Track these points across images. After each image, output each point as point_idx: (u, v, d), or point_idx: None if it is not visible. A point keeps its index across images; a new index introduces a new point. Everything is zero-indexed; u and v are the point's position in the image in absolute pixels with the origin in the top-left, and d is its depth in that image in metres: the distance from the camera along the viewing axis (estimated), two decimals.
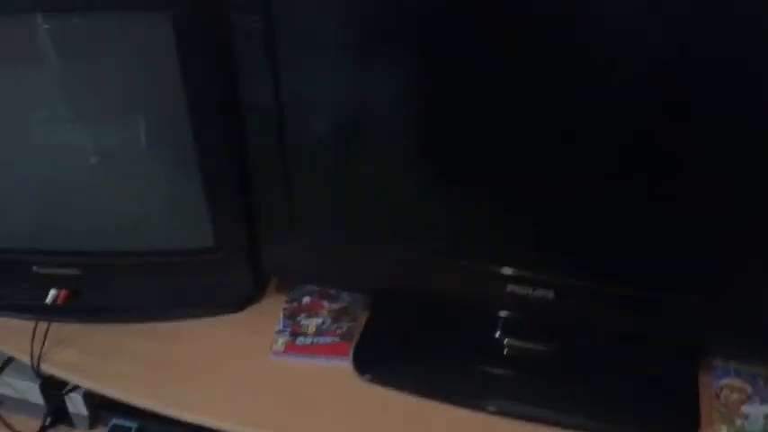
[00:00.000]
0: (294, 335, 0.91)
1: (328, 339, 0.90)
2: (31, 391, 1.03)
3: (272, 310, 0.94)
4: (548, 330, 0.86)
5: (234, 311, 0.94)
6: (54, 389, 1.00)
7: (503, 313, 0.86)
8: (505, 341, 0.88)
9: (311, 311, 0.94)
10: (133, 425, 0.99)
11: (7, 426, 1.02)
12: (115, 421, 1.00)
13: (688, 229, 0.72)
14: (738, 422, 0.78)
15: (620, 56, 0.66)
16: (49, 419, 1.02)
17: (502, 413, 0.82)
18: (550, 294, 0.80)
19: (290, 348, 0.89)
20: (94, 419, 1.02)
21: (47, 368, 0.90)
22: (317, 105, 0.78)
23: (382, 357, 0.89)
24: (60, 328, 0.92)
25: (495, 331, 0.88)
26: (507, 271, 0.80)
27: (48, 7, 0.73)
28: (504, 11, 0.67)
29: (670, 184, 0.70)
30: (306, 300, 0.95)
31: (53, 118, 0.80)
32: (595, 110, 0.69)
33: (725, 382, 0.83)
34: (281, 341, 0.90)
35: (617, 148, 0.71)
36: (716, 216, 0.71)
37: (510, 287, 0.81)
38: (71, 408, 1.02)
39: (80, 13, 0.73)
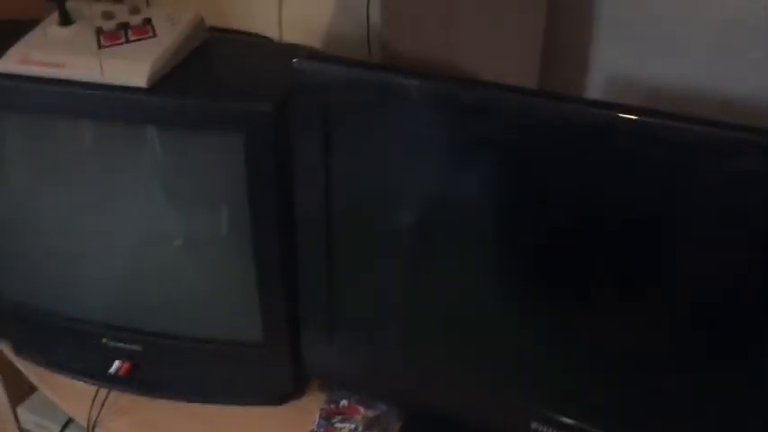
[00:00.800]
0: None
1: None
2: None
3: (310, 408, 0.98)
4: None
5: (274, 404, 0.99)
6: None
7: None
8: None
9: (346, 415, 0.97)
10: None
11: None
12: None
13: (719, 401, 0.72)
14: None
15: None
16: None
17: None
18: None
19: None
20: None
21: None
22: (363, 224, 0.83)
23: None
24: (118, 397, 1.00)
25: None
26: (532, 407, 0.81)
27: (145, 122, 0.83)
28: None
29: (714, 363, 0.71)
30: (343, 403, 0.99)
31: (137, 207, 0.90)
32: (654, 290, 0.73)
33: None
34: None
35: (670, 326, 0.73)
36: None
37: (534, 425, 0.82)
38: None
39: (170, 128, 0.83)
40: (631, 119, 0.65)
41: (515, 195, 0.74)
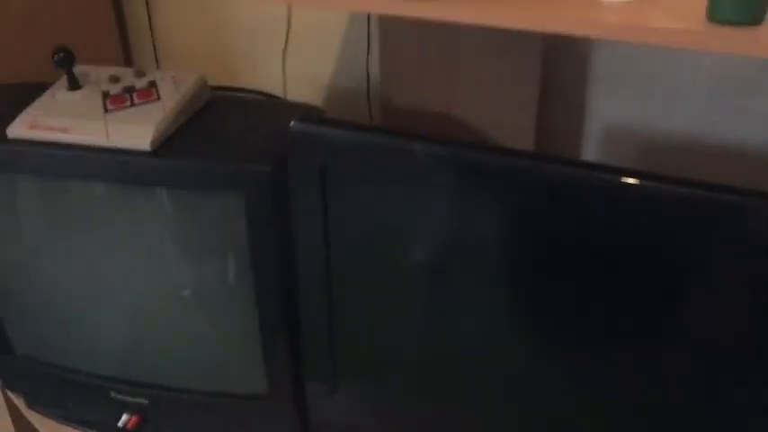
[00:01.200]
0: None
1: None
2: None
3: None
4: None
5: None
6: None
7: None
8: None
9: None
10: None
11: None
12: None
13: None
14: None
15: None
16: None
17: None
18: None
19: None
20: None
21: None
22: (363, 277, 0.84)
23: None
24: None
25: None
26: None
27: (149, 183, 0.86)
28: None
29: None
30: None
31: (142, 264, 0.92)
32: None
33: None
34: None
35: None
36: None
37: None
38: None
39: (173, 188, 0.86)
40: (623, 182, 0.66)
41: (514, 252, 0.75)
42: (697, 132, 0.92)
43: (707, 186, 0.64)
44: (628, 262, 0.70)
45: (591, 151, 1.00)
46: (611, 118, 0.97)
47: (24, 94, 0.92)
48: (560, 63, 0.96)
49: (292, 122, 0.77)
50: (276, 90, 1.14)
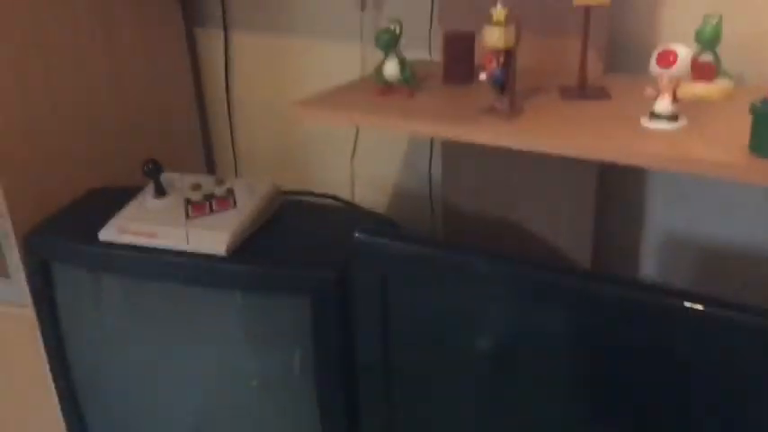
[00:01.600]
0: None
1: None
2: None
3: None
4: None
5: None
6: None
7: None
8: None
9: None
10: None
11: None
12: None
13: None
14: None
15: None
16: None
17: None
18: None
19: None
20: None
21: None
22: (421, 376, 0.87)
23: None
24: None
25: None
26: None
27: (223, 285, 0.93)
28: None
29: None
30: None
31: (214, 358, 0.98)
32: None
33: None
34: None
35: None
36: None
37: None
38: None
39: (245, 290, 0.93)
40: (684, 306, 0.68)
41: (575, 366, 0.77)
42: (758, 241, 0.92)
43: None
44: (684, 380, 0.71)
45: (650, 261, 1.01)
46: (670, 227, 0.99)
47: (117, 198, 1.00)
48: (617, 174, 0.99)
49: (356, 233, 0.82)
50: (344, 192, 1.20)
